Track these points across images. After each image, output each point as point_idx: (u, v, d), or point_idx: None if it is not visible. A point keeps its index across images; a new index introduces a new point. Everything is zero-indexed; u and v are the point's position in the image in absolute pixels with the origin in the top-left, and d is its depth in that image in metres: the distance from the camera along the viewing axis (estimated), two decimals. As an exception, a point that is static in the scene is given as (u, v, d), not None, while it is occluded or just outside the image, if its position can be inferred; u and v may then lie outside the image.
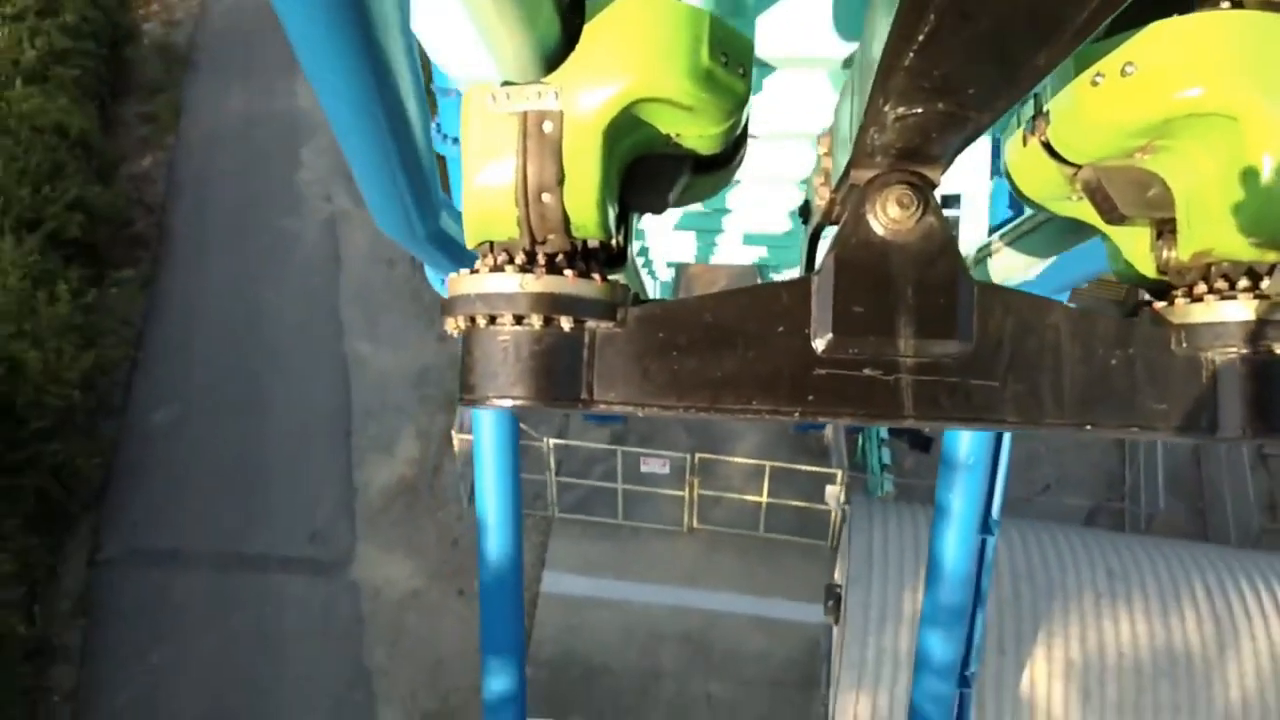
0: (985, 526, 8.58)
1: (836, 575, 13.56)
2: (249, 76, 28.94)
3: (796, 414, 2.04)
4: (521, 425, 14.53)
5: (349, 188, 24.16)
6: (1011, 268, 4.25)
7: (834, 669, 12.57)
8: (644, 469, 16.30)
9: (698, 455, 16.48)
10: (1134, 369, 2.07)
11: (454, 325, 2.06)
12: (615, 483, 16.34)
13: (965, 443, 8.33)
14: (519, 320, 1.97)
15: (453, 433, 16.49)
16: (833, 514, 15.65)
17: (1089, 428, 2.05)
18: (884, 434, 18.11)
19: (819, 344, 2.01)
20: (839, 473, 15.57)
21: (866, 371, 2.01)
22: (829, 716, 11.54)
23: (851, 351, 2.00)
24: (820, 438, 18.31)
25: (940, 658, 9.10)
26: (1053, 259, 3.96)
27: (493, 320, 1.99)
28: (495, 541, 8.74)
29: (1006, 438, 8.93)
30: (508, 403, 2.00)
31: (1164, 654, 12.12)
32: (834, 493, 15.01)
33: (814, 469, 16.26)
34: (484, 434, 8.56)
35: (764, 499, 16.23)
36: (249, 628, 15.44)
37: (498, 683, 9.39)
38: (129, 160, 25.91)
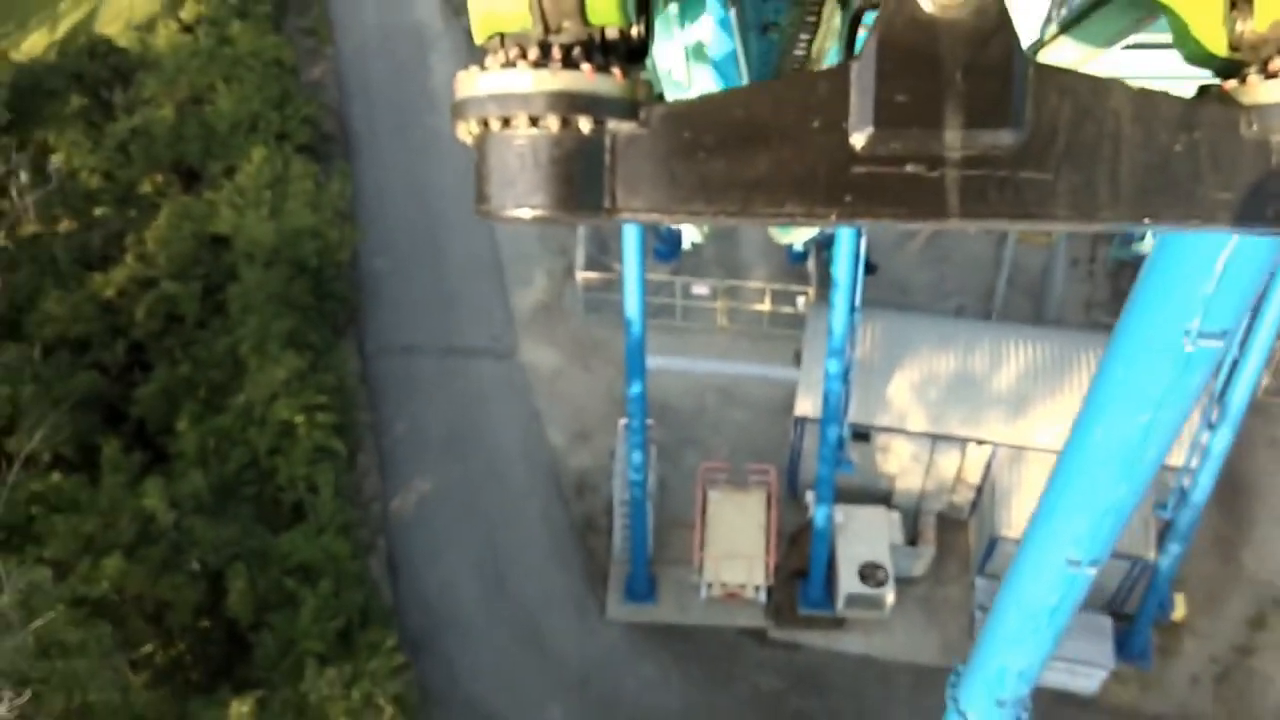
0: (853, 310, 18.45)
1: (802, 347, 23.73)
2: (375, -11, 37.19)
3: (833, 216, 1.94)
4: (611, 261, 24.58)
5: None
6: (1069, 59, 4.01)
7: (797, 390, 22.68)
8: (693, 291, 26.30)
9: (727, 281, 26.40)
10: (1198, 155, 1.95)
11: (465, 130, 1.97)
12: (674, 299, 26.34)
13: (843, 262, 17.76)
14: (534, 122, 1.87)
15: (576, 271, 26.51)
16: (804, 314, 25.68)
17: (1147, 220, 1.96)
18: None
19: (858, 139, 1.89)
20: (809, 290, 25.51)
21: (909, 168, 1.88)
22: (794, 415, 21.93)
23: (894, 146, 1.87)
24: (805, 268, 28.02)
25: (835, 374, 19.14)
26: (1114, 48, 3.73)
27: (506, 123, 1.89)
28: (634, 327, 18.91)
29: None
30: (526, 213, 1.92)
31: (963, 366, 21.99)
32: (803, 303, 25.02)
33: (798, 288, 26.16)
34: (628, 259, 18.28)
35: (767, 308, 26.20)
36: (463, 390, 26.05)
37: (634, 404, 19.72)
38: (304, 70, 34.78)
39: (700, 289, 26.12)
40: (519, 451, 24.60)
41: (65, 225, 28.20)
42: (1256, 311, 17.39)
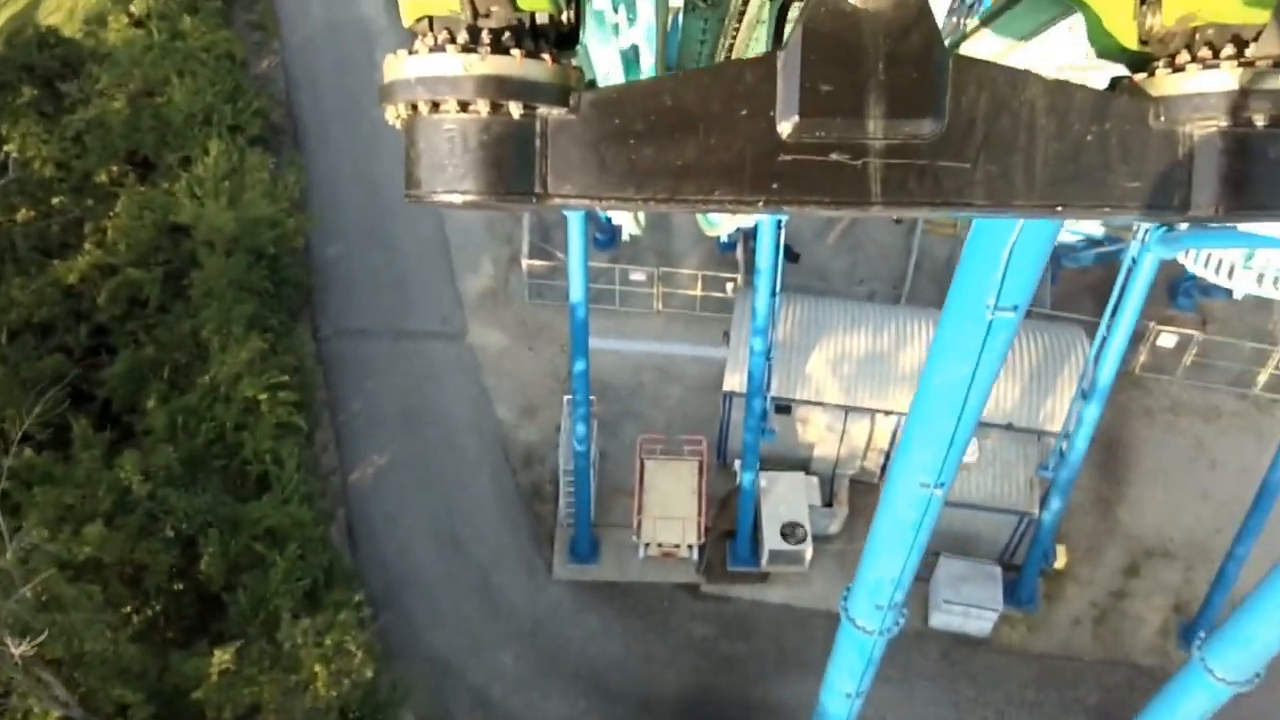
0: (773, 292, 20.55)
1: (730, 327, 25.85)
2: (321, -14, 38.22)
3: (760, 203, 1.97)
4: (554, 250, 26.41)
5: (417, 85, 34.46)
6: (989, 51, 4.10)
7: (726, 368, 24.78)
8: (631, 277, 28.26)
9: (662, 268, 28.41)
10: (1109, 145, 2.01)
11: (394, 113, 2.02)
12: (613, 285, 28.25)
13: (764, 250, 19.82)
14: (464, 107, 1.90)
15: (521, 258, 28.26)
16: (733, 300, 27.82)
17: (1059, 208, 2.02)
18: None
19: (784, 127, 1.93)
20: (737, 276, 27.67)
21: (834, 156, 1.92)
22: (723, 390, 24.08)
23: (818, 135, 1.92)
24: (734, 256, 30.14)
25: (758, 352, 21.28)
26: (1033, 41, 3.85)
27: (436, 107, 1.92)
28: (578, 309, 20.76)
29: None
30: (456, 198, 1.96)
31: (877, 336, 24.46)
32: (731, 288, 27.16)
33: (726, 275, 28.29)
34: (572, 245, 20.15)
35: (698, 293, 28.27)
36: (415, 370, 27.65)
37: (578, 380, 21.62)
38: (251, 63, 35.73)
39: (637, 275, 28.08)
40: (470, 426, 26.35)
41: (23, 214, 28.97)
42: (1120, 295, 19.93)
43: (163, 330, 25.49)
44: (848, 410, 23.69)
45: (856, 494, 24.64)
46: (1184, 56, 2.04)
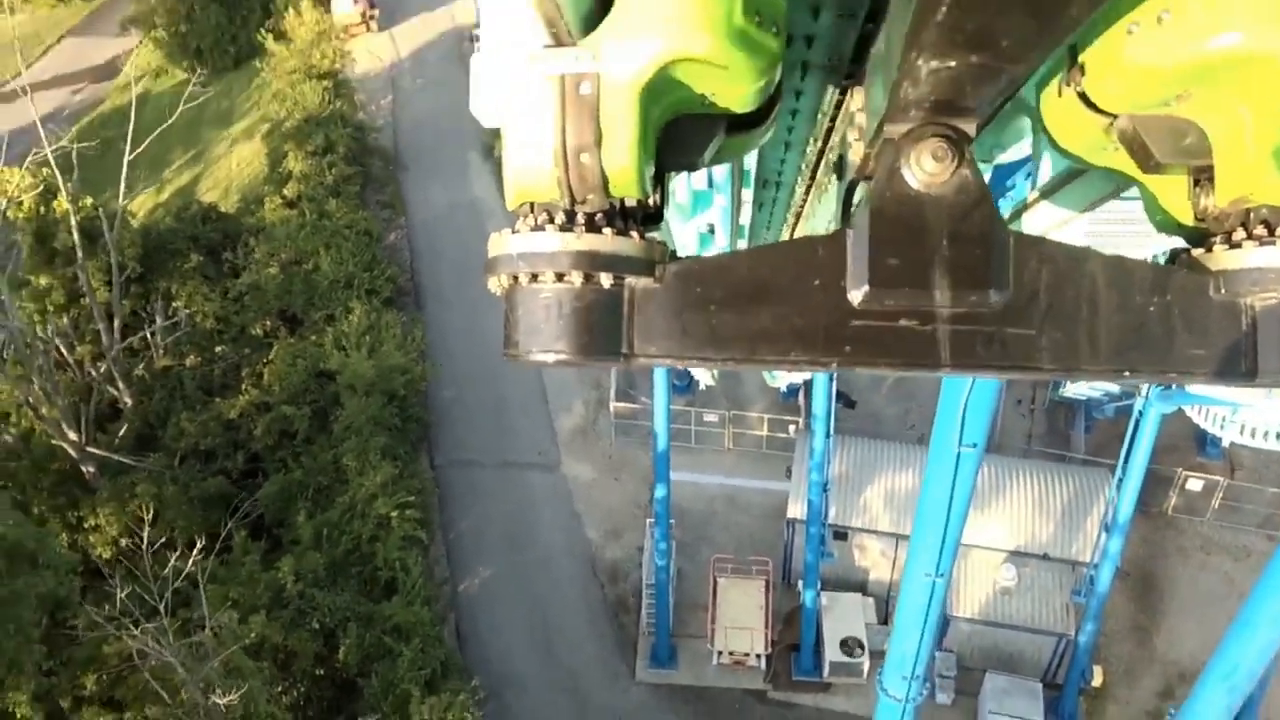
0: (828, 433, 24.02)
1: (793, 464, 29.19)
2: (440, 172, 44.57)
3: (834, 364, 2.06)
4: (640, 396, 30.35)
5: (520, 254, 39.71)
6: (1048, 223, 4.28)
7: (789, 498, 27.97)
8: (705, 419, 32.04)
9: (732, 411, 32.16)
10: (1171, 316, 2.06)
11: (497, 284, 2.15)
12: (689, 425, 31.98)
13: (820, 398, 23.40)
14: (560, 278, 2.04)
15: (610, 401, 32.31)
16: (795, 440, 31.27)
17: (1127, 374, 2.08)
18: (830, 399, 33.48)
19: (855, 295, 2.03)
20: (799, 419, 31.24)
21: (903, 322, 2.02)
22: (786, 517, 27.20)
23: (888, 303, 2.01)
24: (796, 403, 33.75)
25: (816, 485, 24.58)
26: (1089, 213, 3.99)
27: (534, 278, 2.06)
28: (660, 441, 24.46)
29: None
30: (550, 357, 2.08)
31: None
32: (793, 429, 30.71)
33: (789, 418, 31.89)
34: (657, 390, 23.98)
35: (764, 433, 31.86)
36: (515, 497, 31.41)
37: (659, 505, 25.08)
38: (382, 236, 41.46)
39: (711, 417, 31.86)
40: (563, 546, 29.78)
41: (191, 360, 34.18)
42: (1131, 442, 22.76)
43: (309, 458, 29.79)
44: (898, 538, 26.58)
45: (908, 613, 27.14)
46: (1240, 234, 2.11)
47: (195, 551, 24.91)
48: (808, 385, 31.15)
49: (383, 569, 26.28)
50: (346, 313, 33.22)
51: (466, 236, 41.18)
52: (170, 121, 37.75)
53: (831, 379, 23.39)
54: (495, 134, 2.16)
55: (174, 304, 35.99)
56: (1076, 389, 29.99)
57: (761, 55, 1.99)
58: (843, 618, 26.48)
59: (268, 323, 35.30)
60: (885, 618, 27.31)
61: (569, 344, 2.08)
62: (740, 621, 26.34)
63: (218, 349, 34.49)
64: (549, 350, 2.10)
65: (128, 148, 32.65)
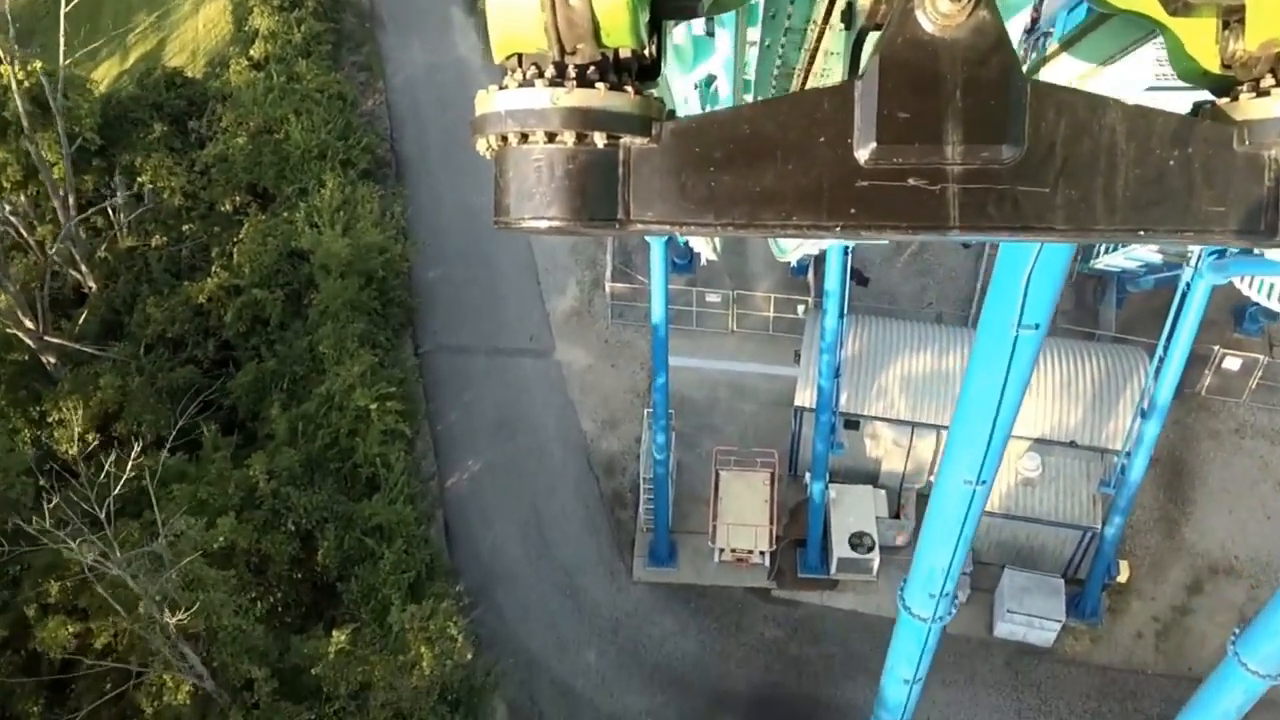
0: (841, 314, 21.61)
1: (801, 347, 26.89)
2: (422, 31, 40.69)
3: (838, 228, 1.96)
4: (637, 276, 27.79)
5: (509, 120, 36.38)
6: (1067, 75, 4.15)
7: (797, 384, 25.79)
8: (707, 299, 29.53)
9: (736, 290, 29.62)
10: (1192, 170, 1.96)
11: (485, 145, 2.06)
12: (690, 306, 29.53)
13: (833, 273, 20.89)
14: (551, 138, 1.93)
15: (605, 281, 29.76)
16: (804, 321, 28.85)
17: (1142, 233, 1.99)
18: (842, 276, 30.80)
19: (862, 154, 1.92)
20: (808, 299, 28.72)
21: (911, 181, 1.91)
22: (794, 405, 25.07)
23: (896, 160, 1.91)
24: (805, 280, 31.17)
25: (827, 370, 22.26)
26: (1111, 65, 3.78)
27: (524, 138, 1.95)
28: (659, 328, 22.10)
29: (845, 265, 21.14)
30: (543, 224, 1.98)
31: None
32: (802, 309, 28.22)
33: (798, 297, 29.36)
34: (654, 269, 21.48)
35: (771, 314, 29.40)
36: (506, 385, 29.28)
37: (659, 395, 22.91)
38: (359, 101, 38.04)
39: (713, 297, 29.32)
40: (556, 436, 27.82)
41: (157, 240, 31.54)
42: (1175, 319, 20.36)
43: (283, 345, 27.56)
44: (914, 426, 24.48)
45: (922, 506, 25.30)
46: (1269, 81, 2.03)
47: (163, 451, 23.09)
48: (819, 260, 28.58)
49: (363, 465, 24.43)
50: (320, 186, 30.33)
51: (451, 101, 37.76)
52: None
53: (846, 252, 20.82)
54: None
55: (139, 179, 33.20)
56: (1110, 259, 27.36)
57: None
58: (852, 511, 24.69)
59: (237, 198, 32.48)
60: (896, 512, 25.53)
61: (562, 209, 1.94)
62: (743, 517, 24.58)
63: (185, 227, 31.79)
64: (541, 216, 1.96)
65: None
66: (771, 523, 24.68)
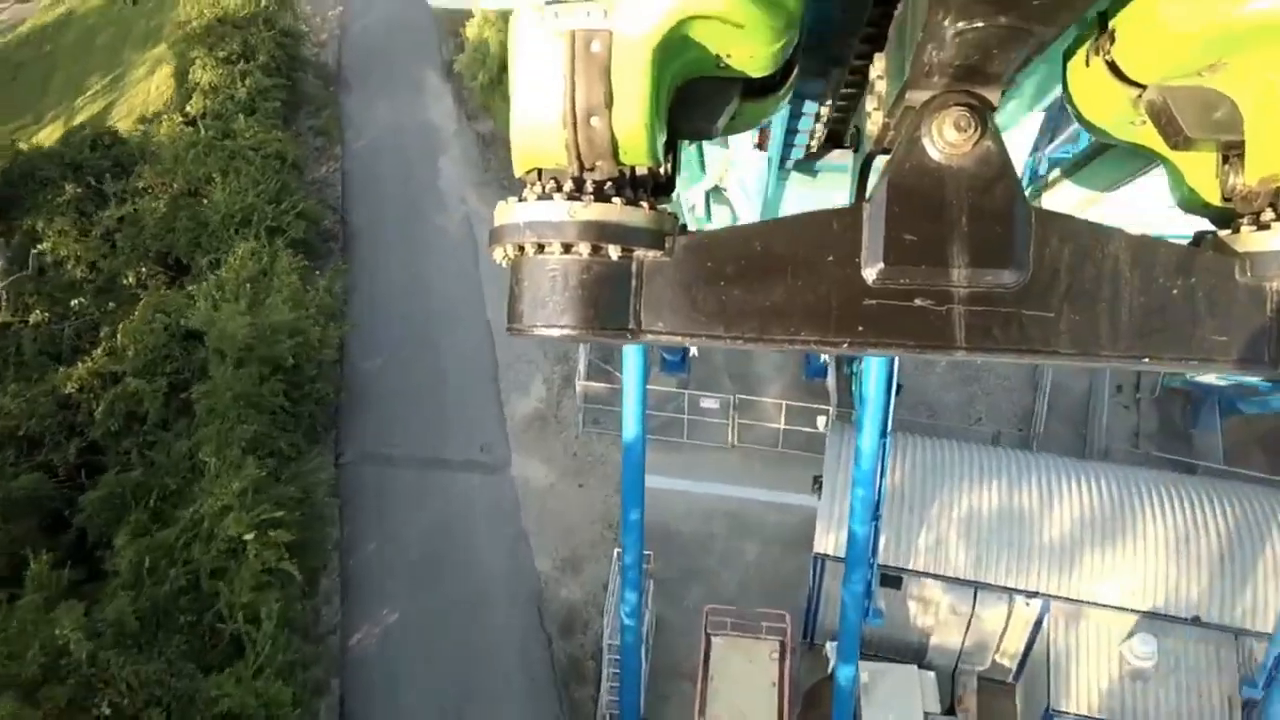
0: (884, 432, 15.37)
1: (823, 472, 20.49)
2: (389, 94, 35.77)
3: (845, 345, 1.96)
4: (614, 371, 21.61)
5: (479, 192, 31.02)
6: (1070, 201, 3.94)
7: (816, 524, 19.44)
8: (702, 405, 23.27)
9: (738, 395, 23.38)
10: (1195, 299, 1.95)
11: (502, 254, 2.02)
12: (683, 414, 23.28)
13: (873, 379, 14.84)
14: (567, 249, 1.93)
15: (577, 380, 23.58)
16: (824, 435, 22.51)
17: (1146, 360, 1.96)
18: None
19: (869, 273, 1.93)
20: (830, 409, 22.41)
21: (918, 302, 1.91)
22: (814, 552, 18.51)
23: (903, 281, 1.91)
24: (824, 382, 25.01)
25: (862, 507, 15.89)
26: (1113, 192, 3.60)
27: (541, 248, 1.94)
28: (632, 446, 15.84)
29: (894, 375, 15.07)
30: (555, 332, 1.97)
31: (1007, 510, 18.35)
32: (823, 421, 21.89)
33: (815, 406, 23.09)
34: (628, 374, 15.46)
35: (781, 425, 23.08)
36: (444, 507, 22.84)
37: (631, 535, 16.54)
38: (309, 168, 32.88)
39: (710, 403, 23.12)
40: (501, 578, 21.20)
41: (36, 316, 25.68)
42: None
43: (159, 450, 21.34)
44: (977, 587, 17.86)
45: (988, 697, 18.50)
46: (1269, 214, 1.99)
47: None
48: (842, 359, 22.50)
49: (226, 620, 17.80)
50: (233, 256, 24.58)
51: (415, 169, 32.50)
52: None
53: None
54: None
55: (40, 245, 27.69)
56: (1205, 375, 21.20)
57: (779, 14, 1.88)
58: (891, 702, 17.80)
59: (143, 269, 26.75)
60: (951, 704, 18.66)
61: (575, 318, 1.96)
62: (742, 706, 17.74)
63: (73, 301, 25.97)
64: (554, 324, 1.97)
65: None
66: (781, 715, 17.81)
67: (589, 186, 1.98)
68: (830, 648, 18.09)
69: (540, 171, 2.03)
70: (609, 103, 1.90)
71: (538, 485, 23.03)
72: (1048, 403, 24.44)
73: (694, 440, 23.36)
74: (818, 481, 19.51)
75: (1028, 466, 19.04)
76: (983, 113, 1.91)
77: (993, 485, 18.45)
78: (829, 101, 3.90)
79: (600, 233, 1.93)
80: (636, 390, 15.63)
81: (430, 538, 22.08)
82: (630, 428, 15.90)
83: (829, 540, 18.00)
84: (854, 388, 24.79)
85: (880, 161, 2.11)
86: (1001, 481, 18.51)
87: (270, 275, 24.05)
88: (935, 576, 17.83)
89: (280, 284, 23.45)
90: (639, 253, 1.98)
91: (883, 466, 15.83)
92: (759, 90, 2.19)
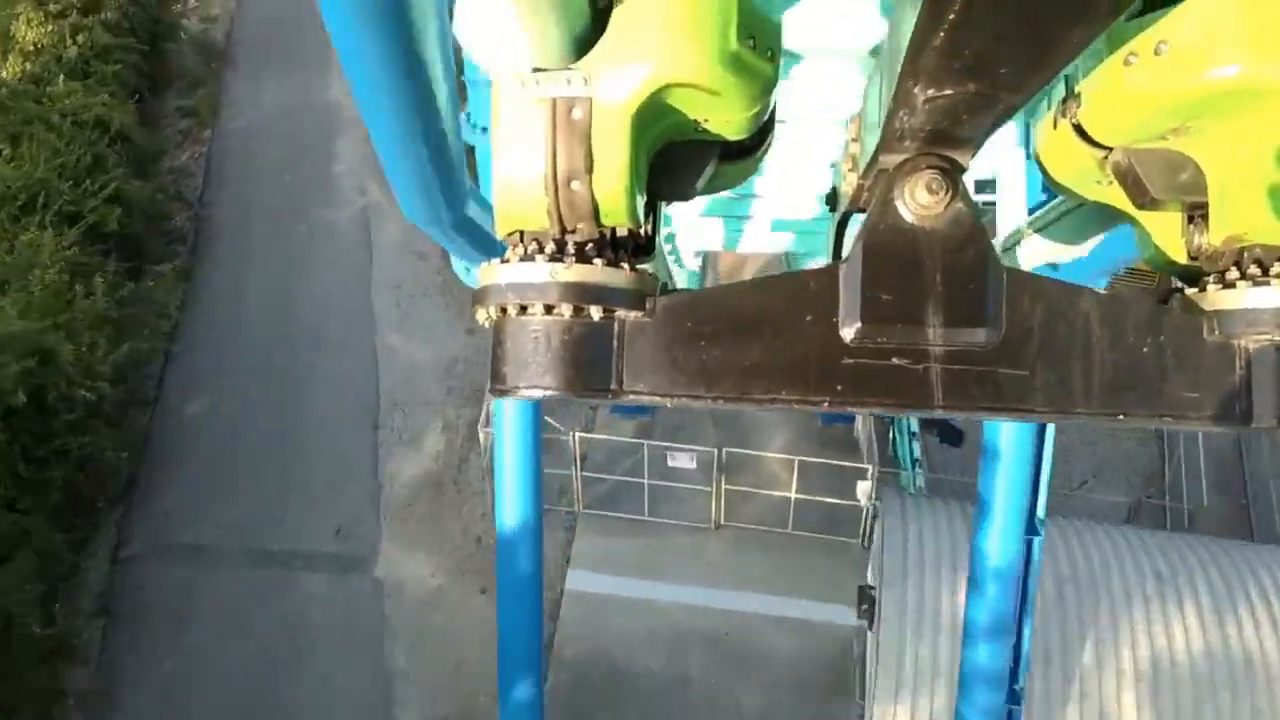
0: (1031, 527, 7.50)
1: (869, 576, 12.34)
2: (286, 72, 27.97)
3: (825, 404, 1.96)
4: (547, 419, 13.38)
5: (383, 180, 23.13)
6: (1041, 255, 4.03)
7: (869, 676, 11.38)
8: (671, 464, 15.11)
9: (725, 450, 15.28)
10: (1165, 356, 1.98)
11: (484, 315, 1.99)
12: (642, 478, 15.18)
13: (1007, 435, 7.33)
14: (549, 310, 1.91)
15: (480, 427, 15.45)
16: (864, 510, 14.39)
17: (1120, 417, 1.97)
18: (914, 427, 16.80)
19: (847, 333, 1.94)
20: (870, 468, 14.28)
21: (895, 360, 1.94)
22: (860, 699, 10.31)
23: (880, 340, 1.93)
24: (850, 430, 17.02)
25: (987, 668, 7.93)
26: (1083, 247, 3.74)
27: (523, 310, 1.93)
28: (514, 539, 7.78)
29: (1050, 429, 7.91)
30: (538, 393, 1.94)
31: (1222, 662, 10.77)
32: (865, 488, 13.72)
33: (844, 464, 15.00)
34: (506, 426, 7.61)
35: (793, 494, 14.98)
36: (271, 628, 14.47)
37: (515, 689, 8.42)
38: (169, 154, 25.16)
39: (683, 460, 14.95)
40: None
41: None
42: None
43: None
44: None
45: None
46: (1234, 274, 1.99)
47: None
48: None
49: None
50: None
51: (306, 153, 24.74)
52: None
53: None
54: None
55: None
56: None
57: (755, 81, 1.88)
58: None
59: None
60: None
61: (556, 378, 1.94)
62: None
63: None
64: (535, 385, 1.95)
65: None
66: None
67: (570, 248, 1.95)
68: None
69: (523, 234, 1.99)
70: (589, 167, 1.90)
71: (416, 592, 14.72)
72: (1183, 455, 16.40)
73: (660, 517, 15.21)
74: (868, 595, 11.26)
75: (1234, 564, 10.92)
76: (954, 175, 1.93)
77: (1184, 602, 10.30)
78: None
79: (582, 294, 1.92)
80: (521, 439, 7.68)
81: (239, 685, 13.68)
82: (511, 510, 7.91)
83: (898, 716, 9.74)
84: (895, 435, 16.84)
85: (855, 223, 2.16)
86: (1199, 594, 10.36)
87: (31, 269, 15.98)
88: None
89: (35, 280, 15.34)
90: (620, 313, 1.96)
91: (1025, 590, 7.73)
92: (737, 153, 2.18)
